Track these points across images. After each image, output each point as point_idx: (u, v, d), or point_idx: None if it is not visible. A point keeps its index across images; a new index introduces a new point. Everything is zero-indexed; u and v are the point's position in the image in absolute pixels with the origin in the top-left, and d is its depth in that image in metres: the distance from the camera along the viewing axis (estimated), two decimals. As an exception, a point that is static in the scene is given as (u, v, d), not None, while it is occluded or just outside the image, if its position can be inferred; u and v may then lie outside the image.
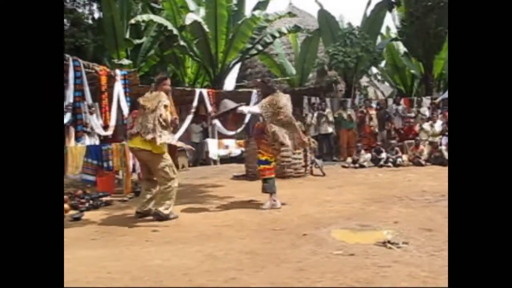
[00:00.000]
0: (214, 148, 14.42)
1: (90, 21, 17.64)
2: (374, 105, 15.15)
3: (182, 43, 16.26)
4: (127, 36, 16.87)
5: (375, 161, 11.64)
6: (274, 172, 6.43)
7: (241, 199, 6.97)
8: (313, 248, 3.99)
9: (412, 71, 19.88)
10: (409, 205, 5.98)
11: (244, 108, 6.81)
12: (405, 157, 11.77)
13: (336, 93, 18.34)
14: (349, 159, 12.18)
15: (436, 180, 8.17)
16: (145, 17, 15.84)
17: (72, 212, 6.16)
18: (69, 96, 8.73)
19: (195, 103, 13.88)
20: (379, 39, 18.55)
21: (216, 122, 14.22)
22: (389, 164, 11.33)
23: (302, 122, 13.79)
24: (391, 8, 17.20)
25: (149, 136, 5.41)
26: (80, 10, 17.48)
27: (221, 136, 14.84)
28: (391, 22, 32.02)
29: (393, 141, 12.37)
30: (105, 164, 8.16)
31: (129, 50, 16.99)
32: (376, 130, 13.75)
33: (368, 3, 17.24)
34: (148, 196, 5.77)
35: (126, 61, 15.64)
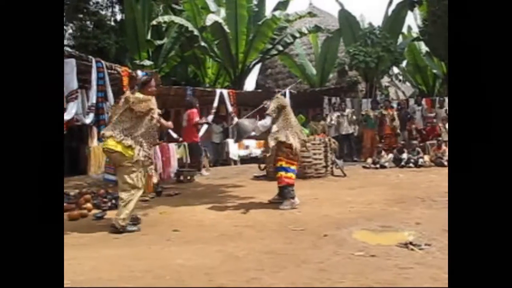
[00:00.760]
0: (234, 148, 14.46)
1: (112, 23, 17.88)
2: (394, 105, 15.00)
3: (202, 43, 16.36)
4: (149, 37, 17.03)
5: (397, 162, 11.56)
6: (293, 179, 6.40)
7: (262, 199, 6.97)
8: (334, 248, 3.98)
9: (434, 71, 19.66)
10: (431, 206, 5.92)
11: (260, 125, 6.55)
12: (427, 157, 11.66)
13: (356, 93, 18.25)
14: (369, 160, 12.10)
15: (458, 181, 8.06)
16: (166, 18, 15.99)
17: (94, 211, 6.23)
18: (92, 97, 8.83)
19: (215, 104, 13.95)
20: (400, 39, 18.38)
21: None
22: (411, 164, 11.24)
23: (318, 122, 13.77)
24: (412, 7, 17.04)
25: (129, 143, 5.05)
26: (103, 12, 17.74)
27: (242, 136, 14.84)
28: (412, 21, 31.77)
29: (414, 142, 12.27)
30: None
31: (151, 51, 17.16)
32: (398, 130, 13.63)
33: (390, 3, 17.10)
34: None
35: (147, 62, 15.81)
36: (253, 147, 14.64)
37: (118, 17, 18.48)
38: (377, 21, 18.31)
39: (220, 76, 20.21)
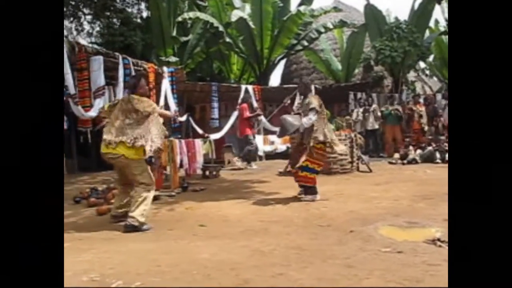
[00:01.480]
0: (259, 144, 14.46)
1: (138, 20, 18.03)
2: (421, 100, 14.82)
3: (227, 39, 16.40)
4: (174, 33, 17.15)
5: (423, 158, 11.44)
6: (315, 179, 6.56)
7: (287, 195, 6.97)
8: (360, 244, 3.97)
9: (462, 65, 19.31)
10: (459, 202, 5.84)
11: (306, 121, 6.48)
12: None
13: (382, 89, 18.08)
14: (396, 155, 11.98)
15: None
16: (191, 14, 16.08)
17: (122, 206, 6.31)
18: (119, 93, 8.93)
19: (240, 100, 13.96)
20: (427, 33, 18.13)
21: (262, 118, 14.26)
22: (438, 160, 11.10)
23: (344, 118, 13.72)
24: (440, 1, 16.75)
25: (140, 143, 5.02)
26: (129, 10, 17.91)
27: (267, 132, 14.87)
28: (440, 15, 31.28)
29: (442, 137, 12.11)
30: (153, 160, 8.31)
31: (176, 48, 17.26)
32: (426, 128, 13.46)
33: (416, -4, 16.88)
34: (125, 200, 5.37)
35: (173, 58, 15.92)
36: (278, 143, 14.62)
37: (144, 14, 18.64)
38: (404, 15, 18.09)
39: (245, 72, 20.24)
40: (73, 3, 17.08)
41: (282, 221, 5.16)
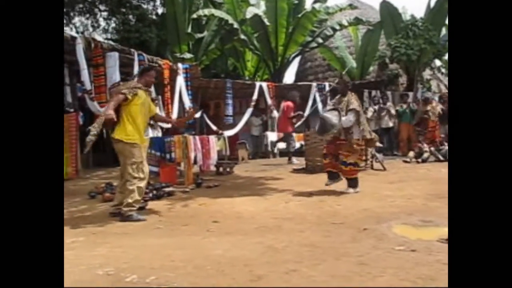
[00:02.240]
0: (273, 141, 14.47)
1: (154, 17, 18.11)
2: (436, 98, 14.69)
3: (242, 36, 16.41)
4: (189, 30, 17.18)
5: (438, 156, 11.37)
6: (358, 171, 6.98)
7: (301, 192, 6.98)
8: (373, 242, 3.96)
9: (479, 63, 19.12)
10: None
11: (346, 121, 6.66)
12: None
13: (397, 87, 17.96)
14: (411, 153, 11.89)
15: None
16: (206, 11, 16.11)
17: (137, 201, 6.36)
18: (134, 89, 8.98)
19: (255, 96, 13.97)
20: (443, 31, 17.92)
21: (276, 115, 14.26)
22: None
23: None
24: (456, -1, 16.61)
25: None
26: (144, 6, 17.99)
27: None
28: (456, 12, 30.83)
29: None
30: (167, 156, 8.37)
31: (191, 44, 17.31)
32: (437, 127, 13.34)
33: (433, -7, 16.72)
34: (121, 194, 5.50)
35: (188, 55, 15.97)
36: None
37: (160, 10, 18.71)
38: (420, 13, 17.94)
39: (259, 69, 20.24)
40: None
41: (296, 218, 5.17)
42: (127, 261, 3.51)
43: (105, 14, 18.62)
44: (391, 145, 13.92)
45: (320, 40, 17.52)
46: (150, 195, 6.71)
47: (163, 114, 9.96)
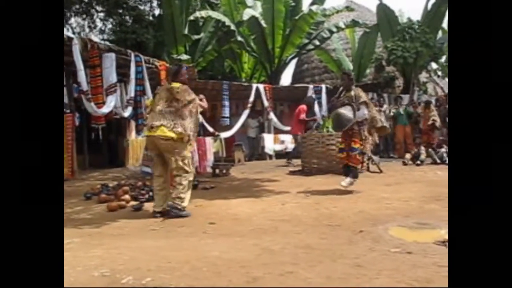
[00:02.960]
0: (270, 143, 14.49)
1: (150, 18, 18.12)
2: (433, 101, 14.75)
3: (239, 38, 16.43)
4: (186, 32, 17.20)
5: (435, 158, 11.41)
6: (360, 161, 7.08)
7: (297, 194, 6.98)
8: (370, 244, 3.96)
9: (474, 66, 19.19)
10: (469, 204, 5.80)
11: (361, 115, 6.86)
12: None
13: (393, 89, 18.01)
14: (408, 155, 11.91)
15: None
16: (203, 13, 16.13)
17: (133, 202, 6.35)
18: (131, 90, 8.99)
19: (251, 98, 13.99)
20: (440, 34, 18.01)
21: (272, 117, 14.28)
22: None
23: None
24: (453, 1, 16.66)
25: (179, 130, 5.33)
26: (141, 7, 17.99)
27: (277, 131, 14.88)
28: (453, 15, 30.97)
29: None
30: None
31: (188, 46, 17.33)
32: (437, 124, 13.38)
33: (430, -3, 16.80)
34: (162, 193, 5.64)
35: (184, 56, 15.99)
36: (289, 142, 14.64)
37: (156, 12, 18.72)
38: (416, 16, 17.99)
39: (256, 70, 20.26)
40: (86, 0, 17.18)
41: (292, 220, 5.17)
42: (123, 263, 3.49)
43: (101, 15, 18.60)
44: (388, 147, 13.95)
45: (317, 42, 17.56)
46: (147, 196, 6.71)
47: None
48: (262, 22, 15.78)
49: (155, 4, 18.59)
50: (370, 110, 6.99)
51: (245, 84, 15.71)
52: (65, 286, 2.71)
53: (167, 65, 10.52)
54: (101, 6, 17.87)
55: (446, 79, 22.28)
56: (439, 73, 21.03)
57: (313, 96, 13.61)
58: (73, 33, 18.22)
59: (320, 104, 15.30)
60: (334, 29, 17.50)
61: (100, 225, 5.07)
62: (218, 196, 6.90)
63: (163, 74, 10.02)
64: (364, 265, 3.34)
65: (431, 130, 13.18)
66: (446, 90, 21.94)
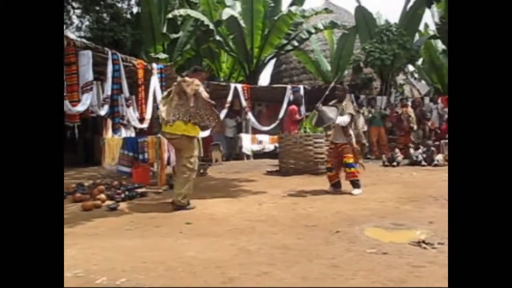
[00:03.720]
0: (247, 143, 14.46)
1: (128, 16, 17.91)
2: (409, 103, 14.94)
3: (218, 38, 16.37)
4: (164, 30, 17.07)
5: (410, 160, 11.55)
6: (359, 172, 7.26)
7: (274, 194, 6.98)
8: (346, 245, 3.98)
9: (450, 69, 19.48)
10: (444, 205, 5.87)
11: (341, 120, 7.07)
12: (441, 156, 11.57)
13: (371, 91, 18.15)
14: (384, 157, 12.04)
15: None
16: (182, 11, 16.02)
17: (108, 202, 6.28)
18: (107, 89, 8.87)
19: (229, 98, 13.94)
20: (417, 36, 18.24)
21: (250, 117, 14.26)
22: (424, 163, 11.20)
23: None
24: (430, 5, 16.84)
25: (193, 121, 5.71)
26: (119, 5, 17.78)
27: (255, 131, 14.86)
28: (430, 19, 31.46)
29: (429, 141, 12.21)
30: (140, 156, 8.28)
31: (166, 44, 17.19)
32: (415, 127, 13.55)
33: (407, 0, 16.97)
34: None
35: (162, 55, 15.86)
36: (267, 142, 14.65)
37: (135, 10, 18.52)
38: (394, 18, 18.19)
39: (234, 70, 20.22)
40: (62, -4, 16.94)
41: (269, 220, 5.17)
42: (97, 263, 3.45)
43: (78, 11, 18.34)
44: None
45: (295, 43, 17.58)
46: (123, 195, 6.64)
47: (136, 114, 9.87)
48: (241, 22, 15.75)
49: (133, 2, 18.38)
50: (355, 124, 7.45)
51: (223, 83, 15.64)
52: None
53: (145, 63, 10.42)
54: (78, 3, 17.64)
55: (423, 81, 22.59)
56: (416, 75, 21.32)
57: (293, 96, 13.57)
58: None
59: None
60: (313, 30, 17.55)
61: (74, 225, 5.00)
62: (195, 196, 6.83)
63: (140, 73, 9.92)
64: (340, 265, 3.36)
65: (408, 132, 13.38)
66: (423, 92, 22.24)
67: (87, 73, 8.34)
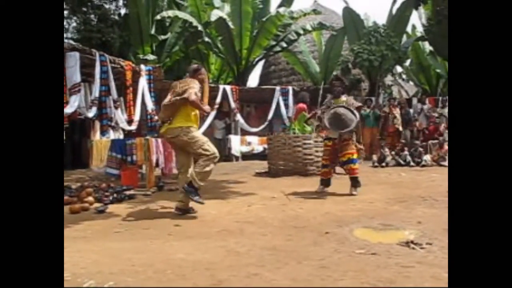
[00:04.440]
0: (236, 144, 14.47)
1: (116, 17, 17.84)
2: (396, 103, 15.02)
3: (206, 39, 16.36)
4: (153, 32, 17.02)
5: (399, 161, 11.61)
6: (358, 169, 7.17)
7: (264, 196, 6.98)
8: (335, 246, 3.98)
9: (438, 70, 19.65)
10: (432, 205, 5.91)
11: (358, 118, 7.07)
12: (429, 157, 11.64)
13: (360, 92, 18.23)
14: (374, 157, 12.09)
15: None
16: (170, 13, 15.99)
17: (96, 204, 6.24)
18: (95, 90, 8.84)
19: (218, 99, 13.96)
20: (404, 38, 18.37)
21: (239, 118, 14.26)
22: (412, 163, 11.27)
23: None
24: (417, 6, 17.00)
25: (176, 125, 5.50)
26: (107, 6, 17.69)
27: (244, 132, 14.87)
28: (417, 20, 31.65)
29: (417, 142, 12.28)
30: (129, 158, 8.25)
31: (154, 46, 17.14)
32: (401, 128, 13.63)
33: (394, 1, 17.09)
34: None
35: (151, 57, 15.82)
36: (256, 144, 14.66)
37: (122, 11, 18.44)
38: (382, 20, 18.30)
39: (223, 72, 20.21)
40: (49, -3, 16.79)
41: (258, 221, 5.15)
42: (85, 266, 3.42)
43: (65, 12, 18.22)
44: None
45: (284, 44, 17.63)
46: (111, 198, 6.60)
47: (125, 116, 9.82)
48: (230, 23, 15.75)
49: (120, 3, 18.30)
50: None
51: (212, 85, 15.61)
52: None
53: (133, 65, 10.39)
54: (65, 4, 17.52)
55: (411, 82, 22.72)
56: (404, 76, 21.45)
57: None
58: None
59: (286, 106, 15.39)
60: (301, 32, 17.62)
61: (62, 228, 4.95)
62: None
63: (128, 74, 9.90)
64: (329, 266, 3.36)
65: (394, 133, 13.46)
66: (411, 93, 22.38)
67: (74, 75, 8.30)
